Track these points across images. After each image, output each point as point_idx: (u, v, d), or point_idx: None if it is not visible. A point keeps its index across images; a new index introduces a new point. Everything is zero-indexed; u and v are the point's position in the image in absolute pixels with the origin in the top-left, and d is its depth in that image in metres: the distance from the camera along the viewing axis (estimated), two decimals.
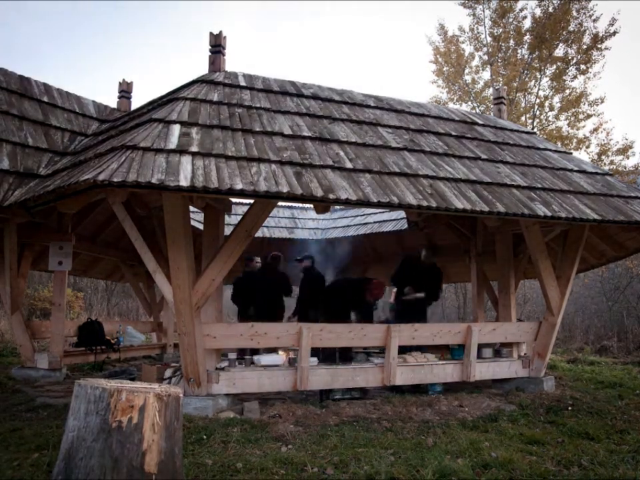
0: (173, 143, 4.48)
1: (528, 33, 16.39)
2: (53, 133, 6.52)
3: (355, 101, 6.73)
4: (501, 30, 16.66)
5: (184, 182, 4.00)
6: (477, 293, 8.45)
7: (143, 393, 2.51)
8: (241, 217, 5.27)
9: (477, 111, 16.09)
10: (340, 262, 9.56)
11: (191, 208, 5.16)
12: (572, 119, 16.12)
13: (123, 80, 8.15)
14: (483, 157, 6.23)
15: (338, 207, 10.89)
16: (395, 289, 7.69)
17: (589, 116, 16.07)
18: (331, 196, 4.41)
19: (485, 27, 16.85)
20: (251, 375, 5.27)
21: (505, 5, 16.35)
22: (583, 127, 16.20)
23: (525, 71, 16.31)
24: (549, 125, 16.27)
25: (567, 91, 16.20)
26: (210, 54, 6.21)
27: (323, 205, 4.89)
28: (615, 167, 15.12)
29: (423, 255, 7.25)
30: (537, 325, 6.62)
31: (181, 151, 4.39)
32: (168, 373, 5.68)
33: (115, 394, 2.48)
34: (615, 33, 15.51)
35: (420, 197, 4.84)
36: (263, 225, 8.99)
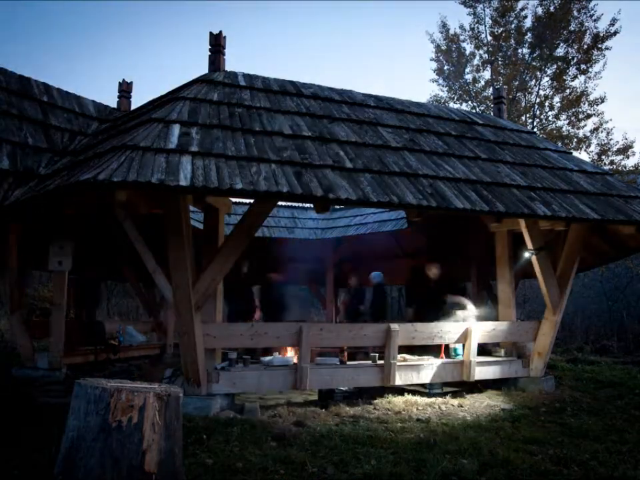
0: (173, 142, 4.47)
1: (529, 32, 16.39)
2: (53, 132, 6.51)
3: (354, 100, 6.73)
4: (501, 29, 16.65)
5: (184, 182, 4.00)
6: (477, 293, 8.45)
7: (143, 392, 2.52)
8: (240, 217, 5.27)
9: (477, 110, 16.08)
10: None
11: (191, 208, 5.16)
12: (572, 118, 16.11)
13: (123, 80, 8.13)
14: (483, 156, 6.23)
15: (338, 207, 10.88)
16: None
17: (589, 116, 16.06)
18: (331, 195, 4.41)
19: (485, 25, 16.84)
20: (251, 375, 5.28)
21: (506, 4, 16.34)
22: (583, 126, 16.19)
23: (526, 71, 16.30)
24: (549, 125, 16.26)
25: (567, 91, 16.19)
26: (210, 54, 6.21)
27: (322, 204, 4.89)
28: (615, 167, 15.12)
29: None
30: (536, 324, 6.62)
31: (181, 150, 4.39)
32: (168, 372, 5.68)
33: (114, 394, 2.49)
34: (615, 32, 15.52)
35: (420, 196, 4.84)
36: (263, 224, 8.99)
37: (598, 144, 15.87)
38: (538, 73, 16.37)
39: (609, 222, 5.65)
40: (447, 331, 6.11)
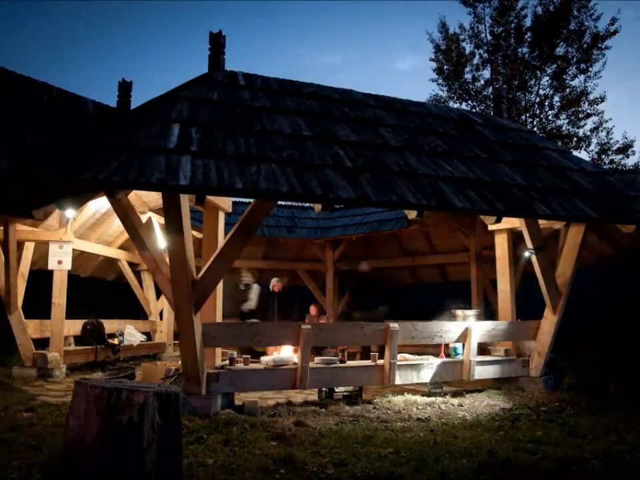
0: (172, 142, 4.47)
1: (528, 32, 16.38)
2: (53, 132, 6.51)
3: (354, 100, 6.72)
4: (501, 28, 16.66)
5: (184, 181, 4.00)
6: (476, 293, 8.45)
7: (143, 392, 2.52)
8: (240, 216, 5.27)
9: (477, 109, 16.09)
10: None
11: (191, 208, 5.16)
12: (572, 117, 16.13)
13: (123, 80, 8.11)
14: (483, 156, 6.22)
15: (338, 207, 10.88)
16: None
17: (589, 115, 16.09)
18: (331, 195, 4.41)
19: (485, 25, 16.85)
20: (251, 374, 5.28)
21: (506, 3, 16.35)
22: (583, 125, 16.21)
23: (525, 70, 16.31)
24: (548, 124, 16.27)
25: (567, 90, 16.20)
26: (210, 54, 6.19)
27: (322, 204, 4.89)
28: (614, 166, 15.14)
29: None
30: (536, 323, 6.61)
31: (180, 150, 4.39)
32: (168, 372, 5.68)
33: (114, 393, 2.48)
34: (615, 32, 15.53)
35: (420, 196, 4.83)
36: (263, 224, 8.98)
37: (598, 143, 15.90)
38: (538, 72, 16.38)
39: (608, 221, 5.65)
40: (446, 330, 6.11)
